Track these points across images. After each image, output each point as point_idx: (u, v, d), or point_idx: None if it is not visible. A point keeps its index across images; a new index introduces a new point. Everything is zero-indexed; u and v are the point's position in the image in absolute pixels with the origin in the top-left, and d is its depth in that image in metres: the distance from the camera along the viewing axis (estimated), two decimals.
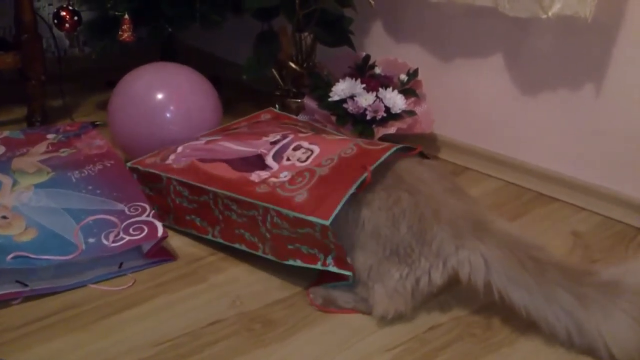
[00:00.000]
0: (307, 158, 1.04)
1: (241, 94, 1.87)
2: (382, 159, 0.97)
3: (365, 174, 0.93)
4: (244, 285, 1.03)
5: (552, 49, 1.32)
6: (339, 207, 0.91)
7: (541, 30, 1.32)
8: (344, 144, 1.05)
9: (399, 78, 1.52)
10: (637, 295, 0.84)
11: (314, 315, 0.96)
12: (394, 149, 1.00)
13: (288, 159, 1.07)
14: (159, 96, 1.32)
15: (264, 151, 1.12)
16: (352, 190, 0.93)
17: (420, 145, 1.05)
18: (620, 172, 1.28)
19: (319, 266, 0.96)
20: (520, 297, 0.87)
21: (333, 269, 0.94)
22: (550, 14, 1.17)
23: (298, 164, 1.04)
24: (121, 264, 1.05)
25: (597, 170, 1.31)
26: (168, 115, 1.32)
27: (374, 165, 0.95)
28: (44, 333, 0.91)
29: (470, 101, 1.51)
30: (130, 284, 1.02)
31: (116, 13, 1.47)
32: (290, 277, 1.04)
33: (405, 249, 0.92)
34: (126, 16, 1.46)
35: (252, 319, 0.95)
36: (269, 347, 0.89)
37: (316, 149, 1.06)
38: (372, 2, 1.47)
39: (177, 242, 1.14)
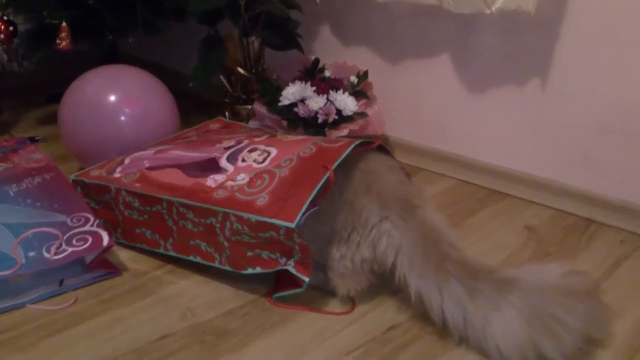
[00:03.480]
0: (264, 159, 1.01)
1: (190, 105, 1.83)
2: (343, 156, 0.95)
3: (328, 174, 0.91)
4: (195, 297, 0.98)
5: (498, 46, 1.32)
6: (303, 209, 0.88)
7: (486, 27, 1.33)
8: (302, 144, 1.02)
9: (349, 80, 1.50)
10: (528, 292, 0.83)
11: (270, 323, 0.92)
12: (353, 145, 0.98)
13: (244, 160, 1.03)
14: (112, 99, 1.28)
15: (218, 155, 1.08)
16: (315, 191, 0.90)
17: (379, 139, 1.03)
18: (568, 165, 1.29)
19: (278, 268, 0.93)
20: (414, 281, 0.88)
21: (292, 270, 0.91)
22: (493, 9, 1.17)
23: (255, 165, 1.01)
24: (62, 281, 1.00)
25: (547, 164, 1.32)
26: (122, 118, 1.28)
27: (335, 164, 0.93)
28: None
29: (420, 102, 1.51)
30: (72, 301, 0.96)
31: (53, 21, 1.41)
32: (244, 286, 1.01)
33: (341, 223, 0.93)
34: (64, 24, 1.40)
35: (204, 331, 0.90)
36: (222, 358, 0.85)
37: (273, 150, 1.03)
38: (317, 0, 1.46)
39: (123, 256, 1.09)
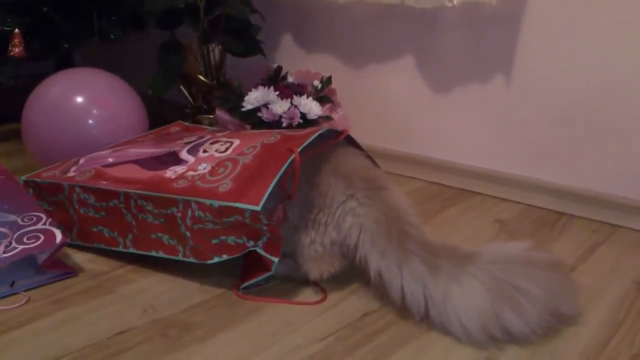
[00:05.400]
0: (227, 149, 0.97)
1: (150, 123, 1.79)
2: (309, 141, 0.92)
3: (293, 156, 0.88)
4: (157, 294, 0.92)
5: (461, 44, 1.33)
6: (268, 191, 0.84)
7: (449, 25, 1.33)
8: (266, 134, 0.99)
9: (312, 85, 1.49)
10: (489, 264, 0.81)
11: (239, 315, 0.87)
12: (320, 131, 0.95)
13: (205, 151, 0.99)
14: (79, 100, 1.24)
15: (178, 149, 1.04)
16: (280, 172, 0.87)
17: (346, 130, 1.00)
18: (535, 159, 1.29)
19: (245, 251, 0.88)
20: (375, 260, 0.85)
21: (260, 251, 0.86)
22: (455, 2, 1.18)
23: (217, 154, 0.97)
24: (13, 282, 0.93)
25: (514, 160, 1.32)
26: (90, 121, 1.24)
27: (301, 147, 0.89)
28: None
29: (385, 105, 1.50)
30: (24, 301, 0.89)
31: (5, 28, 1.36)
32: (209, 281, 0.95)
33: (307, 205, 0.90)
34: (16, 30, 1.35)
35: (167, 325, 0.84)
36: (187, 349, 0.79)
37: (236, 141, 1.00)
38: None
39: (79, 258, 1.03)
